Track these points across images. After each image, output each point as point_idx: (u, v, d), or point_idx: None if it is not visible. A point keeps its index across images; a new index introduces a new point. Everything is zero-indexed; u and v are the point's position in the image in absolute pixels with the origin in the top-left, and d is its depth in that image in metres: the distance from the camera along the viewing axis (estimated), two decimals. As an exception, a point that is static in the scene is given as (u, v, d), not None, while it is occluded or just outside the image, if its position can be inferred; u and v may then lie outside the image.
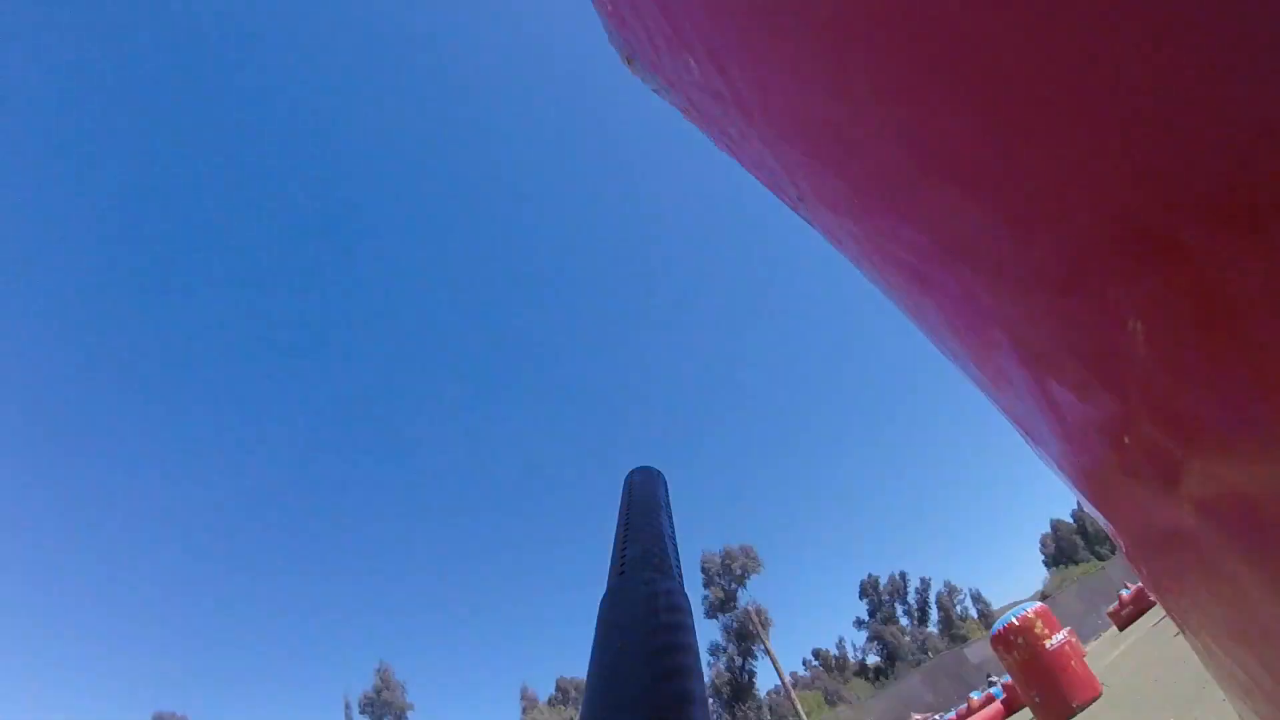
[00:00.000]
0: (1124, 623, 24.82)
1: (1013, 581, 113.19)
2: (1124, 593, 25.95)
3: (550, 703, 58.00)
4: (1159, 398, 0.29)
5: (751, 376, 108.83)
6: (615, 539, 0.50)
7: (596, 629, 0.40)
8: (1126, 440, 0.30)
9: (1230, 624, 0.31)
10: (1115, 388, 0.31)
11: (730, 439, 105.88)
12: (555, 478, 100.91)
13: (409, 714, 52.34)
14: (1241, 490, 0.27)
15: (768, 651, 52.96)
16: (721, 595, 60.68)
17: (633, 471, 0.62)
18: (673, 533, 0.53)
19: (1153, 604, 23.50)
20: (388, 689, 52.32)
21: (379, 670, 53.48)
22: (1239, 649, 0.32)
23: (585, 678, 0.36)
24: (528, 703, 57.85)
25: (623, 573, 0.45)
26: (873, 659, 66.90)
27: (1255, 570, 0.29)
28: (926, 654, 59.62)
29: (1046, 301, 0.32)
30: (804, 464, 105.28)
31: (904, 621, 68.83)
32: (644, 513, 0.53)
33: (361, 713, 51.15)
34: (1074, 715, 11.76)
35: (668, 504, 0.57)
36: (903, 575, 70.87)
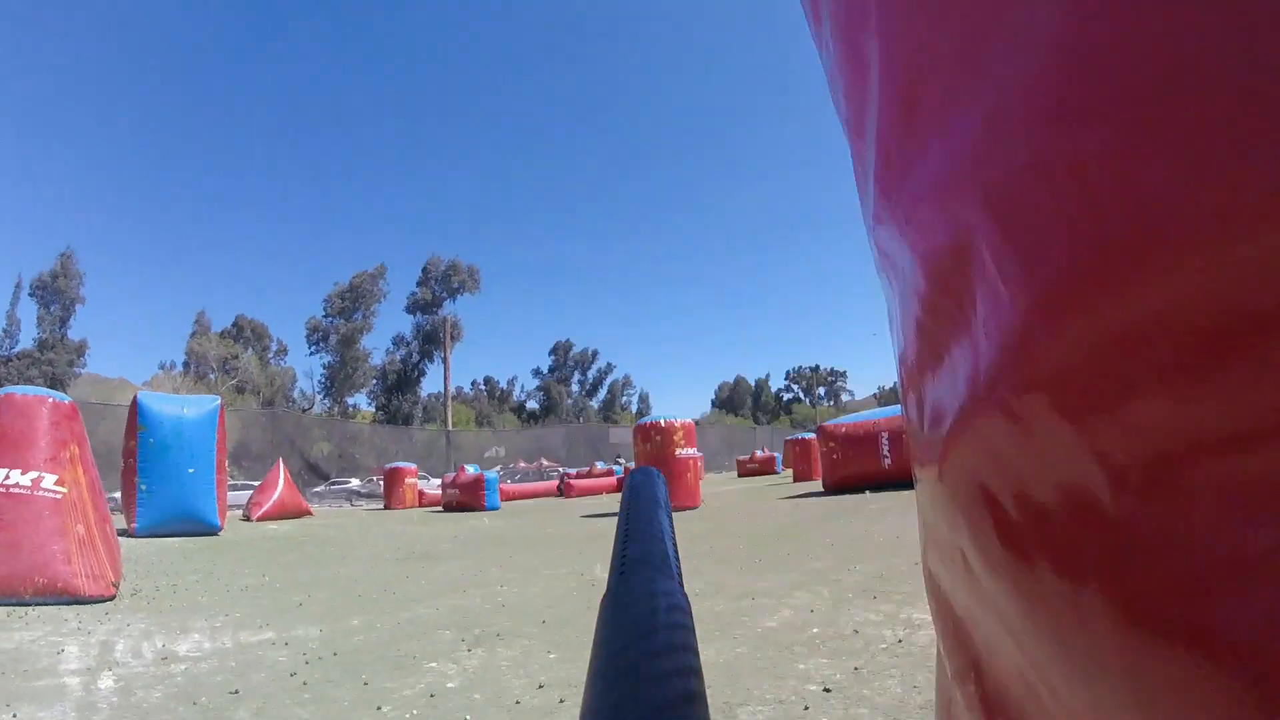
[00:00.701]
0: (745, 473, 29.66)
1: (679, 403, 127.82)
2: (758, 452, 30.77)
3: (222, 335, 55.69)
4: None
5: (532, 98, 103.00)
6: (615, 539, 0.48)
7: (597, 629, 0.38)
8: None
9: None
10: None
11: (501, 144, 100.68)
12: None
13: (78, 307, 48.92)
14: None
15: (445, 360, 54.72)
16: (429, 299, 61.58)
17: (633, 472, 0.60)
18: (673, 532, 0.51)
19: (772, 472, 27.70)
20: (65, 277, 48.20)
21: (62, 256, 48.88)
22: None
23: (585, 678, 0.34)
24: (200, 328, 55.43)
25: (623, 573, 0.42)
26: (532, 405, 71.70)
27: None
28: (579, 420, 64.98)
29: None
30: (562, 210, 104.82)
31: (575, 388, 74.10)
32: (644, 513, 0.51)
33: (30, 294, 47.60)
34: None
35: (667, 504, 0.54)
36: (594, 352, 75.46)
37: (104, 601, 5.38)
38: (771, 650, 3.31)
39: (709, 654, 3.34)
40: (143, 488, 11.19)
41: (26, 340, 46.84)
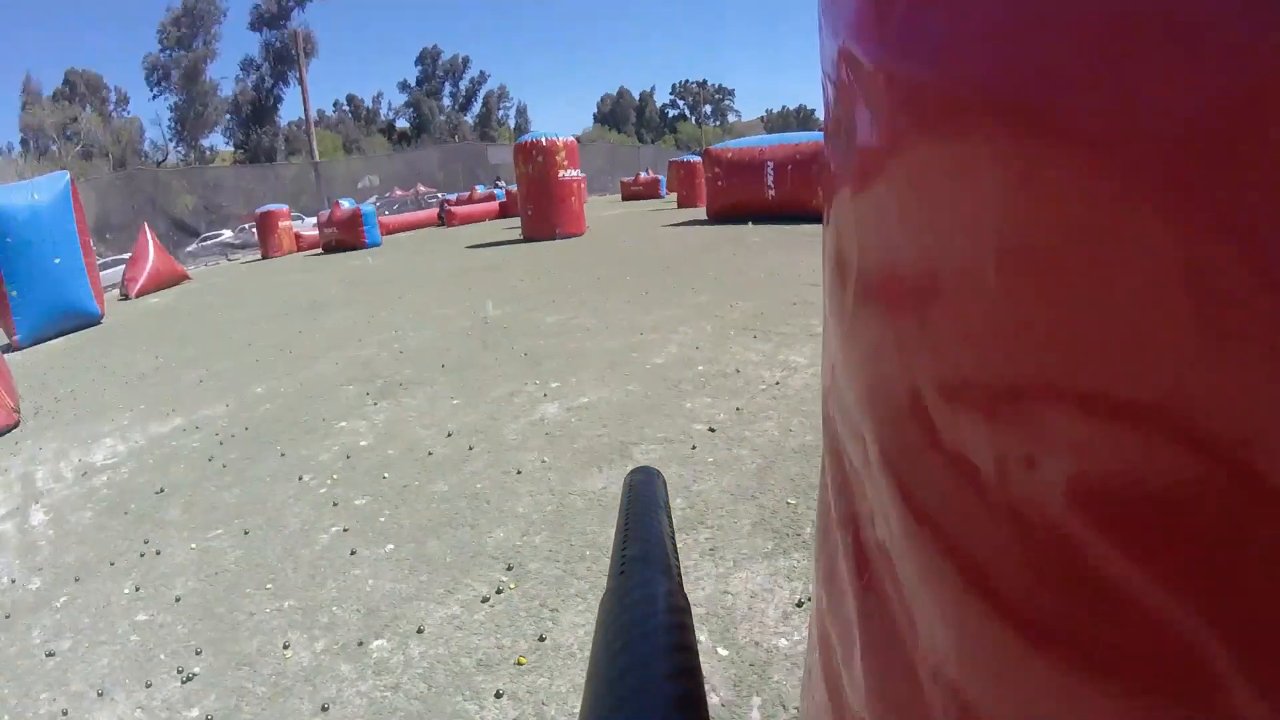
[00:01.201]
0: (629, 196, 29.23)
1: (559, 118, 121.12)
2: (643, 174, 30.32)
3: (55, 97, 46.80)
4: None
5: None
6: (615, 539, 0.49)
7: (596, 629, 0.38)
8: None
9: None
10: None
11: None
12: None
13: None
14: None
15: (301, 81, 48.97)
16: (274, 10, 53.34)
17: (632, 472, 0.61)
18: (673, 532, 0.51)
19: (656, 196, 27.56)
20: None
21: None
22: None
23: (586, 678, 0.34)
24: (29, 98, 46.79)
25: (623, 573, 0.43)
26: (402, 124, 66.68)
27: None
28: (454, 139, 61.34)
29: None
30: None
31: (446, 102, 68.85)
32: (644, 513, 0.52)
33: None
34: (553, 239, 12.46)
35: (667, 504, 0.55)
36: (465, 60, 69.19)
37: (10, 431, 5.06)
38: (661, 388, 3.62)
39: (604, 392, 3.62)
40: (13, 294, 10.01)
41: None
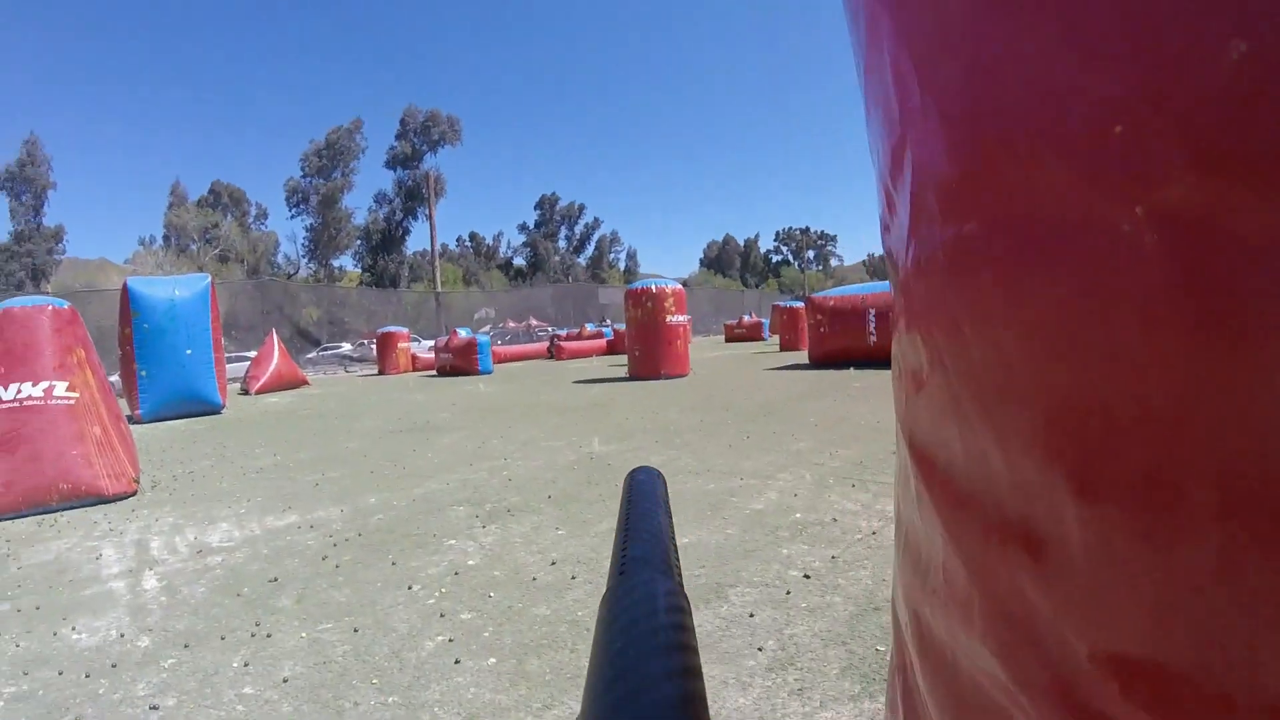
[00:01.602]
0: (732, 338, 30.23)
1: (667, 260, 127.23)
2: (745, 318, 31.21)
3: (200, 203, 54.14)
4: None
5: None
6: (615, 539, 0.50)
7: (597, 629, 0.39)
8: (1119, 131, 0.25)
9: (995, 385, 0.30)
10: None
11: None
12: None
13: (49, 193, 47.56)
14: None
15: (430, 217, 53.68)
16: (409, 152, 59.86)
17: (633, 471, 0.65)
18: (672, 532, 0.52)
19: (759, 339, 28.16)
20: (33, 164, 46.63)
21: (26, 143, 46.92)
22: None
23: (586, 678, 0.34)
24: (176, 199, 54.14)
25: (623, 573, 0.44)
26: (519, 261, 71.31)
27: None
28: (567, 278, 64.86)
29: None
30: (546, 60, 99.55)
31: (561, 244, 73.43)
32: (644, 513, 0.53)
33: (0, 187, 46.21)
34: (658, 379, 12.84)
35: (667, 504, 0.57)
36: (581, 207, 74.22)
37: (128, 498, 5.64)
38: (758, 533, 3.69)
39: (702, 534, 3.72)
40: (143, 374, 11.34)
41: (2, 234, 45.90)
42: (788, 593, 2.90)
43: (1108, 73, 0.24)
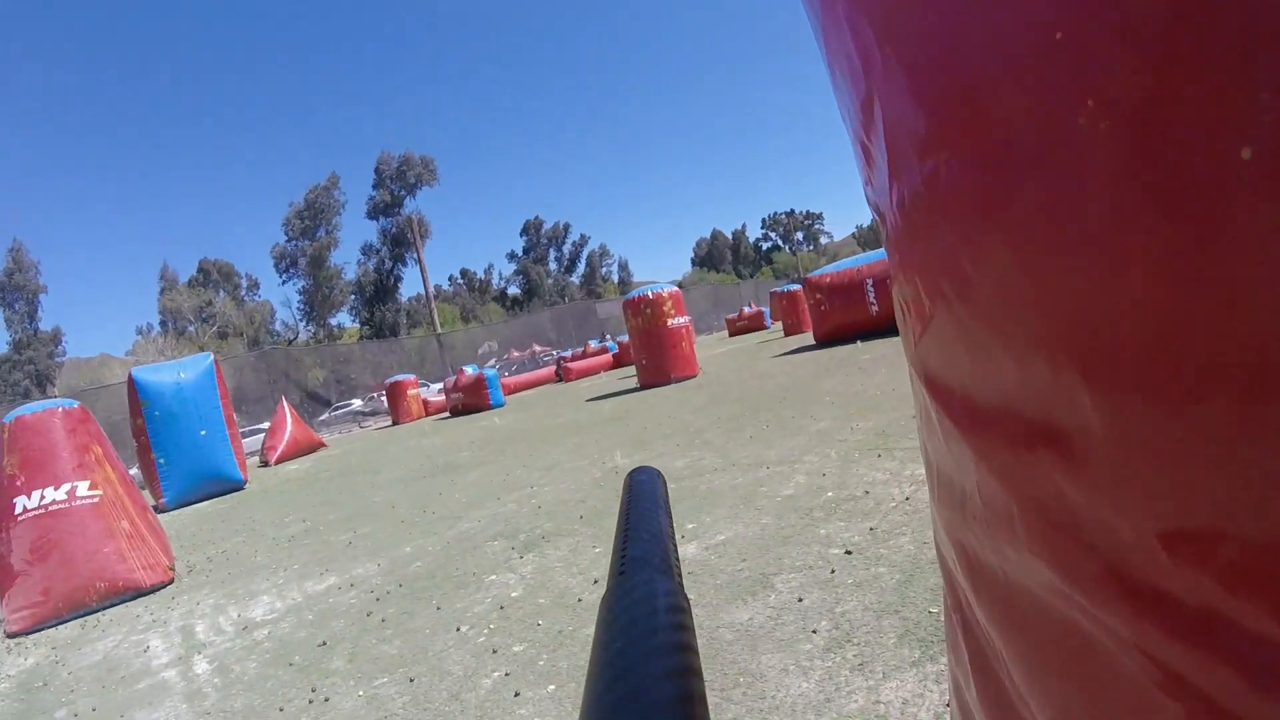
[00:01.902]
0: (735, 331, 29.78)
1: (659, 265, 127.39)
2: (745, 309, 31.08)
3: (190, 284, 54.26)
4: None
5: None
6: (615, 539, 0.50)
7: (597, 629, 0.38)
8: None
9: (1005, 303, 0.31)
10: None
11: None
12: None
13: (41, 296, 48.22)
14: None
15: (419, 261, 54.05)
16: (388, 199, 60.24)
17: (633, 472, 0.63)
18: (672, 532, 0.52)
19: (761, 328, 28.10)
20: (20, 271, 47.33)
21: (11, 251, 47.72)
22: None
23: (585, 678, 0.34)
24: (167, 284, 54.36)
25: (623, 573, 0.44)
26: (514, 290, 71.57)
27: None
28: (563, 299, 65.02)
29: None
30: (511, 85, 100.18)
31: (552, 266, 73.67)
32: (644, 513, 0.53)
33: None
34: (669, 384, 12.83)
35: (667, 504, 0.57)
36: (566, 226, 74.42)
37: (166, 587, 5.68)
38: (793, 517, 3.68)
39: (738, 528, 3.72)
40: (160, 461, 11.44)
41: (1, 344, 46.49)
42: (832, 571, 2.89)
43: None
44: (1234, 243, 0.21)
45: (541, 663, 2.74)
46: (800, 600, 2.70)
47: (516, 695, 2.52)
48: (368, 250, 61.00)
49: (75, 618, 5.29)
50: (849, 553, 3.04)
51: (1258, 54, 0.20)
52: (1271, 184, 0.20)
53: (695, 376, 13.34)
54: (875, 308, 12.35)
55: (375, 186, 60.84)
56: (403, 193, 60.71)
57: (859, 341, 12.12)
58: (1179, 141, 0.22)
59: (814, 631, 2.42)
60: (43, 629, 5.19)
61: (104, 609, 5.40)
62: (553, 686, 2.53)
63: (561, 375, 24.05)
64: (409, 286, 63.10)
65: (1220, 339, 0.22)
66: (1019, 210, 0.28)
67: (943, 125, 0.32)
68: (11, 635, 5.15)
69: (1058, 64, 0.25)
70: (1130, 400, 0.26)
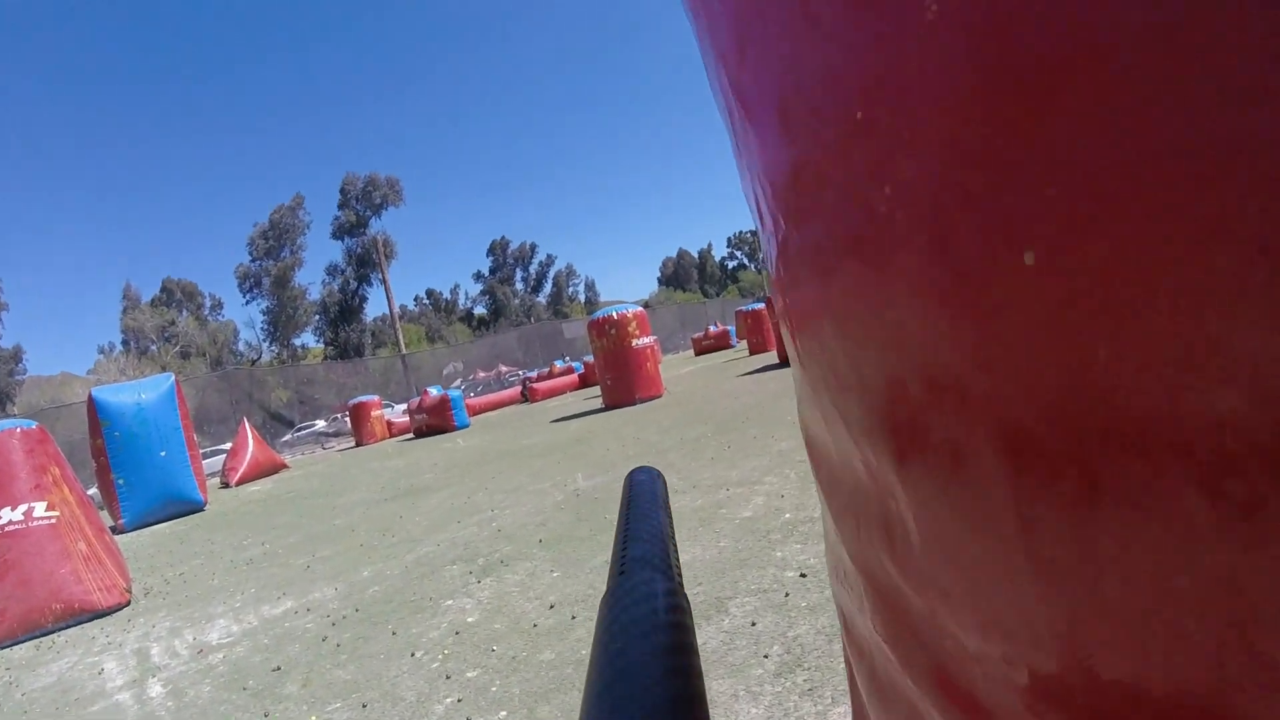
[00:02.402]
0: (701, 350, 30.20)
1: (626, 285, 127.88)
2: (711, 328, 31.30)
3: (153, 303, 53.14)
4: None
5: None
6: (615, 539, 0.50)
7: (597, 629, 0.39)
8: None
9: (833, 372, 0.31)
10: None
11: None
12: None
13: (3, 315, 47.49)
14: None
15: (384, 281, 53.58)
16: (354, 220, 59.82)
17: (632, 472, 0.63)
18: (673, 532, 0.52)
19: (727, 348, 28.28)
20: None
21: None
22: (832, 389, 0.32)
23: (585, 678, 0.34)
24: (129, 302, 53.27)
25: (623, 573, 0.44)
26: (480, 310, 71.20)
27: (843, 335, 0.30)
28: (529, 319, 64.84)
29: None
30: (478, 106, 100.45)
31: (519, 286, 73.51)
32: (644, 513, 0.53)
33: None
34: (634, 404, 12.81)
35: (667, 504, 0.57)
36: (532, 246, 74.45)
37: (122, 609, 5.55)
38: (750, 540, 3.70)
39: (696, 550, 3.72)
40: (120, 481, 11.16)
41: None
42: (786, 595, 2.91)
43: (846, 61, 0.26)
44: (1018, 343, 0.21)
45: (494, 689, 2.71)
46: (754, 624, 2.71)
47: (468, 724, 2.49)
48: (332, 270, 60.34)
49: (30, 639, 5.17)
50: (804, 575, 3.06)
51: (1041, 149, 0.20)
52: (1051, 289, 0.20)
53: (660, 396, 13.37)
54: (837, 329, 12.49)
55: (340, 207, 60.31)
56: (368, 213, 60.24)
57: (821, 362, 12.24)
58: (965, 240, 0.22)
59: (766, 656, 2.43)
60: (-2, 649, 5.04)
61: (59, 630, 5.27)
62: (504, 713, 2.50)
63: (527, 396, 23.92)
64: (374, 307, 62.72)
65: (1008, 430, 0.22)
66: (838, 288, 0.29)
67: (785, 198, 0.33)
68: (-37, 657, 4.98)
69: (863, 145, 0.26)
70: (932, 491, 0.26)
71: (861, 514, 0.32)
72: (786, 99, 0.31)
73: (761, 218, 0.40)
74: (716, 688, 2.28)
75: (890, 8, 0.24)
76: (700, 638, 2.71)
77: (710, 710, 0.32)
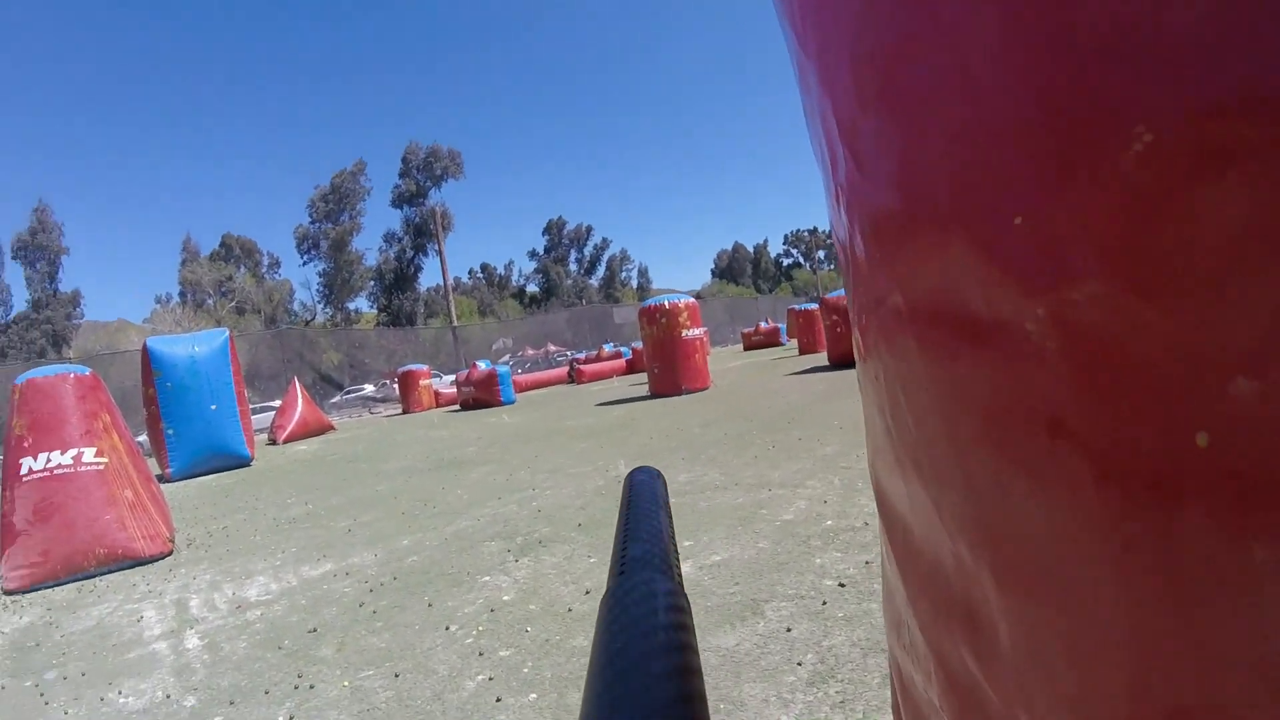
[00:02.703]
0: (750, 345, 29.86)
1: (679, 274, 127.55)
2: (762, 324, 31.02)
3: (212, 258, 54.98)
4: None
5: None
6: (615, 539, 0.50)
7: (597, 629, 0.38)
8: (1019, 222, 0.24)
9: (903, 378, 0.31)
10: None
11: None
12: None
13: (63, 258, 48.53)
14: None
15: (440, 253, 54.29)
16: (414, 189, 60.59)
17: (632, 471, 0.63)
18: (673, 532, 0.52)
19: (776, 344, 28.04)
20: (44, 231, 47.75)
21: (36, 211, 48.13)
22: (966, 443, 0.29)
23: (586, 678, 0.34)
24: (189, 255, 54.89)
25: (623, 573, 0.44)
26: (533, 288, 71.74)
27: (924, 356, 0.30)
28: (581, 301, 65.13)
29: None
30: (542, 85, 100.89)
31: (573, 267, 73.79)
32: (644, 513, 0.53)
33: (14, 257, 47.20)
34: (679, 394, 12.81)
35: (667, 504, 0.57)
36: (588, 228, 74.60)
37: (164, 558, 5.74)
38: (790, 544, 3.67)
39: (734, 550, 3.71)
40: (169, 432, 11.53)
41: (20, 303, 47.03)
42: (824, 603, 2.88)
43: (1009, 156, 0.24)
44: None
45: (526, 670, 2.75)
46: (789, 630, 2.69)
47: (498, 701, 2.53)
48: (390, 238, 61.32)
49: (72, 581, 5.36)
50: (842, 585, 3.03)
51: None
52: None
53: (707, 389, 13.33)
54: (891, 334, 12.27)
55: (401, 175, 61.21)
56: (428, 184, 61.03)
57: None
58: (1125, 378, 0.22)
59: (799, 664, 2.41)
60: (39, 589, 5.27)
61: (101, 575, 5.47)
62: (534, 695, 2.54)
63: (574, 376, 24.09)
64: (428, 277, 63.53)
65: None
66: (951, 377, 0.28)
67: (893, 266, 0.32)
68: (8, 592, 5.23)
69: (1014, 252, 0.25)
70: (1036, 617, 0.25)
71: (941, 598, 0.32)
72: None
73: (851, 265, 0.39)
74: (747, 691, 2.28)
75: None
76: (733, 639, 2.71)
77: (710, 711, 0.32)
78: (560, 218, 74.38)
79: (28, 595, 5.20)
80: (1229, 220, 0.18)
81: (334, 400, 28.27)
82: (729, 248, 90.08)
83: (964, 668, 0.31)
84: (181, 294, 52.90)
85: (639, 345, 20.46)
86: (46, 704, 3.16)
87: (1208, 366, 0.19)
